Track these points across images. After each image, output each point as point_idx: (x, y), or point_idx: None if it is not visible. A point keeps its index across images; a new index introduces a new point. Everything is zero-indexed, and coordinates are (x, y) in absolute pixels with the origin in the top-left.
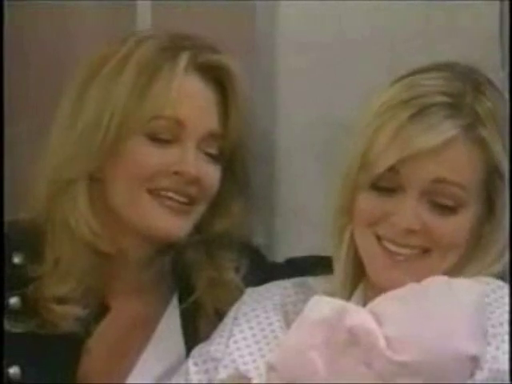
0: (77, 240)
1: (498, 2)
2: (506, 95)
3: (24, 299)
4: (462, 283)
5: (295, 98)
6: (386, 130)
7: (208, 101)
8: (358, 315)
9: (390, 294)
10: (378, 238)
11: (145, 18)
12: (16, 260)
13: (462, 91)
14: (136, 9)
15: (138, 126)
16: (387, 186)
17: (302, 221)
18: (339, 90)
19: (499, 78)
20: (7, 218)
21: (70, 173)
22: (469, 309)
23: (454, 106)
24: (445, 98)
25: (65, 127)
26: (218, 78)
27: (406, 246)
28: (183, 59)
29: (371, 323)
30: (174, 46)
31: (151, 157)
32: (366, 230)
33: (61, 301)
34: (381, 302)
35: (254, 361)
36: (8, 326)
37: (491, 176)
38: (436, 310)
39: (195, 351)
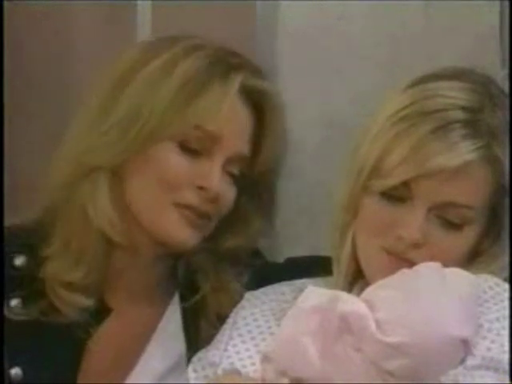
0: (92, 227)
1: (498, 2)
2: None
3: (25, 301)
4: (453, 270)
5: (295, 97)
6: (405, 141)
7: (245, 123)
8: (350, 302)
9: (381, 282)
10: (382, 248)
11: (145, 18)
12: (17, 262)
13: (481, 105)
14: (136, 9)
15: (174, 132)
16: (396, 195)
17: (302, 221)
18: (339, 90)
19: (499, 77)
20: (7, 222)
21: (95, 159)
22: (460, 292)
23: (473, 124)
24: (465, 115)
25: (94, 117)
26: (258, 104)
27: (410, 261)
28: (237, 81)
29: (363, 309)
30: (222, 61)
31: (178, 166)
32: (369, 239)
33: (69, 287)
34: (373, 290)
35: (253, 364)
36: (9, 327)
37: (499, 192)
38: (427, 293)
39: (195, 357)
